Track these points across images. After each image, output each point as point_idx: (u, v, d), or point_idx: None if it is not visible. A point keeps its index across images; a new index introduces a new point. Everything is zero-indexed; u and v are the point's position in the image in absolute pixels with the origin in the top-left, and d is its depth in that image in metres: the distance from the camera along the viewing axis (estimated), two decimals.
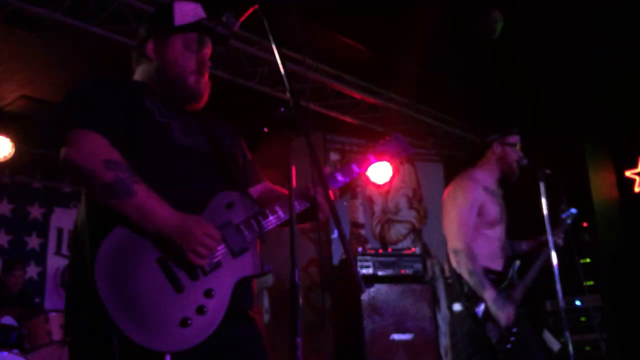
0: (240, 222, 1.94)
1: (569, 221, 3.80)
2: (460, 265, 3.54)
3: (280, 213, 2.00)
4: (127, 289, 1.69)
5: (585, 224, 6.27)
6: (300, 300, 1.72)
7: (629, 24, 5.46)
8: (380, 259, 5.95)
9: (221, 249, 1.86)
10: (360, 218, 7.43)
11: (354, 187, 7.28)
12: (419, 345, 5.66)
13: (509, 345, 3.42)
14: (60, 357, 5.01)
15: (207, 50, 2.15)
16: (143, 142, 1.91)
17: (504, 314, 3.43)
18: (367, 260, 5.88)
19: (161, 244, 1.77)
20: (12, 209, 7.68)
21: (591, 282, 6.04)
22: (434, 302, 6.20)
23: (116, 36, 4.96)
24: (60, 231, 7.95)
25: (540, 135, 5.82)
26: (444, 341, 6.48)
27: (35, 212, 7.84)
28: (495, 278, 3.57)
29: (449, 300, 3.81)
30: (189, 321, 1.73)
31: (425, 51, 5.66)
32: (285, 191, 2.15)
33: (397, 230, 7.65)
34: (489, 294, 3.45)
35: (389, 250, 6.39)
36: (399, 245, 7.44)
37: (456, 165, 6.98)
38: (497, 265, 3.66)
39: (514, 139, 3.79)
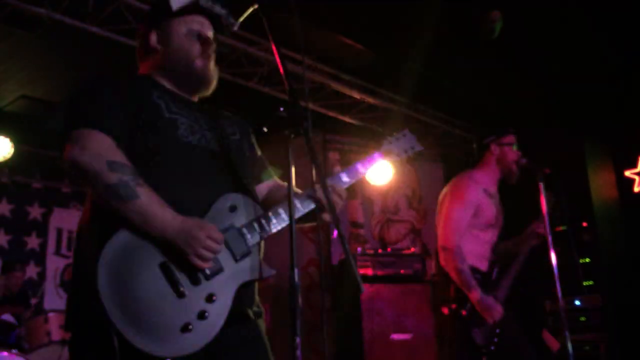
0: (243, 225, 1.92)
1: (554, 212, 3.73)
2: (448, 263, 3.55)
3: (284, 216, 1.97)
4: (128, 293, 1.69)
5: (584, 224, 6.27)
6: (300, 300, 1.71)
7: (629, 24, 5.46)
8: (380, 258, 5.95)
9: (223, 253, 1.84)
10: (360, 218, 7.43)
11: (353, 187, 7.28)
12: (418, 345, 5.66)
13: (492, 347, 3.42)
14: (59, 357, 5.01)
15: (209, 32, 2.13)
16: (149, 142, 1.90)
17: (489, 314, 3.44)
18: (366, 260, 5.88)
19: (164, 248, 1.76)
20: (12, 209, 7.68)
21: (590, 282, 6.04)
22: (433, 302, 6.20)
23: (116, 36, 4.96)
24: (59, 231, 7.95)
25: (540, 135, 5.82)
26: None
27: (35, 212, 7.84)
28: (481, 278, 3.57)
29: (433, 298, 3.81)
30: (190, 326, 1.72)
31: (425, 51, 5.66)
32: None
33: (396, 230, 7.65)
34: (474, 294, 3.45)
35: (389, 250, 6.39)
36: (399, 245, 7.44)
37: (456, 165, 7.00)
38: (484, 266, 3.66)
39: (511, 138, 3.78)
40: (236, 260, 1.87)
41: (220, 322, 1.79)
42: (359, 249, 6.16)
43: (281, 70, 1.92)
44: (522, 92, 6.50)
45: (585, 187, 6.47)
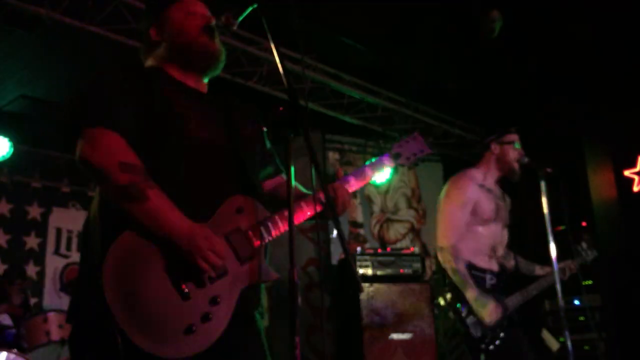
0: (249, 228, 1.92)
1: (587, 260, 3.87)
2: (445, 262, 3.56)
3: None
4: (133, 295, 1.69)
5: (584, 224, 6.27)
6: (299, 300, 1.71)
7: (629, 24, 5.46)
8: (379, 258, 5.95)
9: (228, 256, 1.84)
10: (359, 217, 7.44)
11: None
12: (418, 345, 5.65)
13: (491, 347, 3.41)
14: (59, 356, 5.00)
15: (205, 11, 2.13)
16: (158, 139, 1.89)
17: (485, 312, 3.43)
18: (366, 260, 5.88)
19: (169, 250, 1.76)
20: (11, 209, 7.66)
21: (590, 282, 6.04)
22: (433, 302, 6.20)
23: (115, 36, 4.96)
24: (59, 231, 7.93)
25: (539, 135, 5.82)
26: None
27: (34, 211, 7.82)
28: (478, 274, 3.57)
29: (433, 298, 3.82)
30: (194, 328, 1.72)
31: (425, 51, 5.67)
32: (298, 191, 2.11)
33: (396, 230, 7.65)
34: (471, 293, 3.45)
35: (388, 249, 6.39)
36: (398, 245, 7.44)
37: (456, 165, 6.98)
38: (481, 262, 3.63)
39: (512, 137, 3.78)
40: (241, 263, 1.87)
41: (224, 324, 1.79)
42: (359, 249, 6.16)
43: (280, 69, 1.91)
44: (522, 92, 6.51)
45: (584, 186, 6.47)
